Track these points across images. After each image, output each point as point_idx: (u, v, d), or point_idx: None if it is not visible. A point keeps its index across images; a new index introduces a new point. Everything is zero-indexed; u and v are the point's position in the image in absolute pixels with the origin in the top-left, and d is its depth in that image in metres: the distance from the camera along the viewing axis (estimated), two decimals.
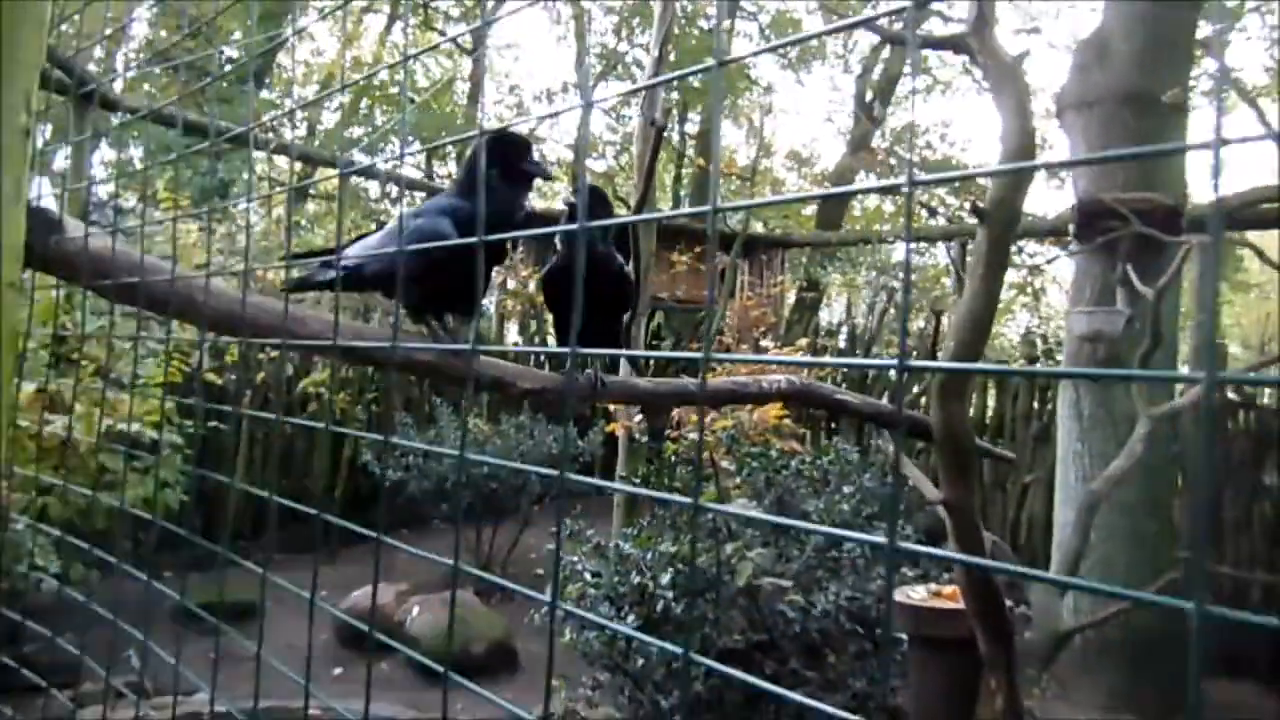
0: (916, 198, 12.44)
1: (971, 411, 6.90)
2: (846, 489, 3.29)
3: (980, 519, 2.01)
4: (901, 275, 11.91)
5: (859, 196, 13.80)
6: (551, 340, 6.97)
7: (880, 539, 0.53)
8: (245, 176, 12.30)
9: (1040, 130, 11.67)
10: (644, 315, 5.66)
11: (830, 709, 0.56)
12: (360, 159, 10.74)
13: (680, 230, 8.81)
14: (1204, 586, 0.39)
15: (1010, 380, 6.93)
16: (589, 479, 0.81)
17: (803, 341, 6.34)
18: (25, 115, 1.02)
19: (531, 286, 7.37)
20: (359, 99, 11.97)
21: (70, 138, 4.82)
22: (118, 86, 6.55)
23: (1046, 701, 4.06)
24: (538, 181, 1.57)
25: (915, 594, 2.97)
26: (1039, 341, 8.58)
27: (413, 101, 12.58)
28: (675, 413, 4.06)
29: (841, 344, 8.91)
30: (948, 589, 2.91)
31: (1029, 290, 12.18)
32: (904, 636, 2.87)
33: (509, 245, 1.53)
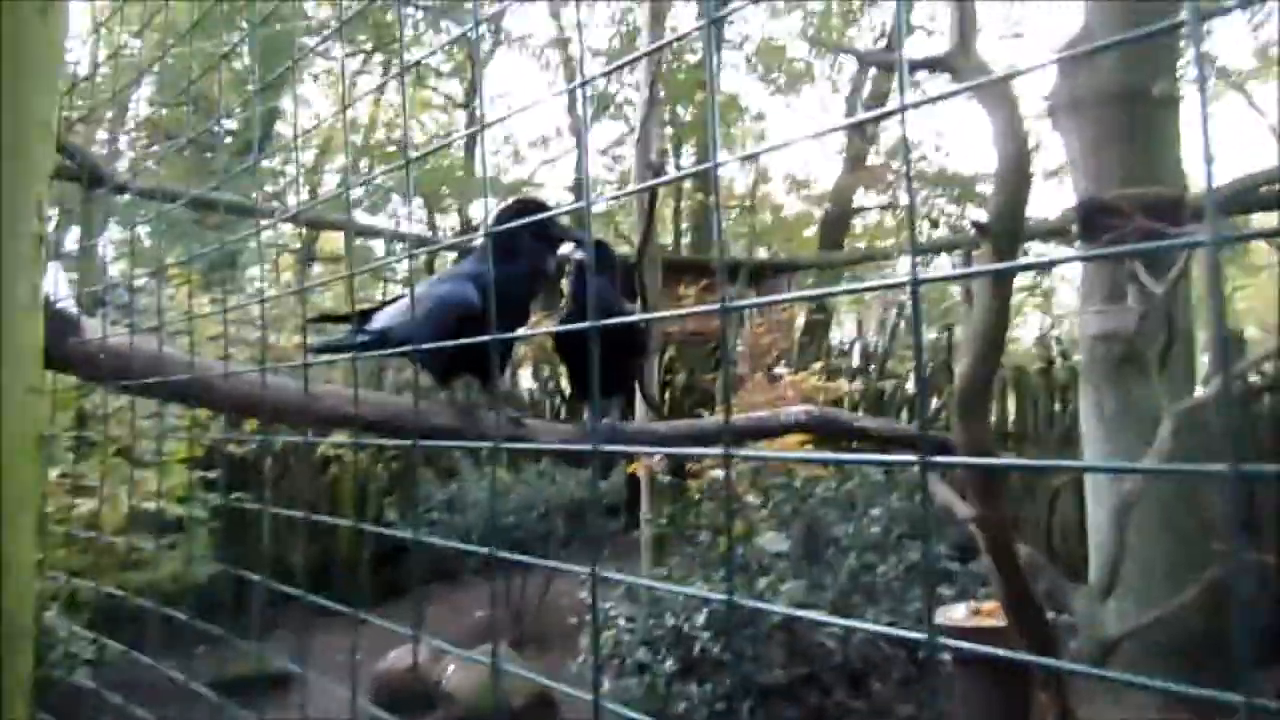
0: (919, 211, 12.46)
1: (993, 419, 6.85)
2: (874, 511, 3.26)
3: (1012, 528, 1.98)
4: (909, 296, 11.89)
5: (861, 214, 13.84)
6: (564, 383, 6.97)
7: (921, 634, 0.51)
8: (252, 245, 12.47)
9: (1035, 133, 11.73)
10: (655, 351, 5.67)
11: None
12: (362, 218, 10.86)
13: (687, 264, 8.87)
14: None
15: (1029, 384, 6.88)
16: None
17: (817, 365, 6.32)
18: (38, 221, 1.04)
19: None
20: (358, 160, 12.15)
21: (79, 220, 4.91)
22: (122, 165, 6.68)
23: (1099, 707, 3.96)
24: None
25: (955, 613, 2.93)
26: (1054, 344, 8.52)
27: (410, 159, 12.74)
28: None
29: (855, 362, 8.87)
30: (987, 605, 2.87)
31: (1039, 291, 12.14)
32: (948, 658, 2.82)
33: (530, 309, 1.56)
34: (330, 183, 13.14)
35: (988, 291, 1.90)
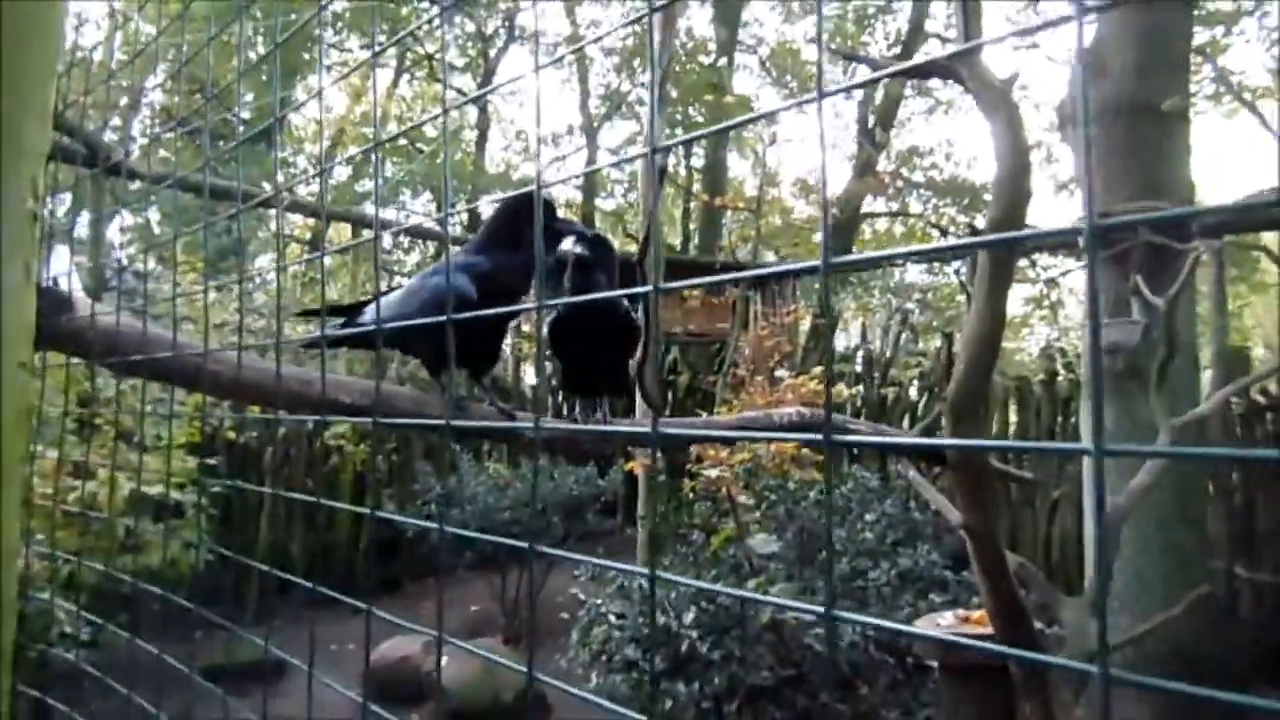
0: (926, 217, 12.44)
1: (994, 429, 6.83)
2: (869, 517, 3.26)
3: (1010, 539, 1.98)
4: (914, 298, 11.88)
5: (869, 220, 13.83)
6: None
7: (819, 608, 0.52)
8: (260, 235, 12.51)
9: (1045, 144, 11.69)
10: (657, 352, 5.67)
11: None
12: (380, 213, 10.90)
13: (690, 265, 8.88)
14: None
15: (1030, 395, 6.87)
16: (556, 552, 0.81)
17: (818, 369, 6.32)
18: (32, 200, 1.05)
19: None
20: (369, 153, 12.18)
21: (89, 206, 4.94)
22: (135, 152, 6.71)
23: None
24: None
25: (943, 620, 2.92)
26: (1058, 355, 8.50)
27: (420, 152, 12.80)
28: (693, 448, 4.05)
29: (858, 368, 8.87)
30: (975, 614, 2.86)
31: (1045, 303, 12.11)
32: (934, 664, 2.82)
33: (525, 301, 1.58)
34: (340, 175, 13.18)
35: (984, 298, 1.90)
